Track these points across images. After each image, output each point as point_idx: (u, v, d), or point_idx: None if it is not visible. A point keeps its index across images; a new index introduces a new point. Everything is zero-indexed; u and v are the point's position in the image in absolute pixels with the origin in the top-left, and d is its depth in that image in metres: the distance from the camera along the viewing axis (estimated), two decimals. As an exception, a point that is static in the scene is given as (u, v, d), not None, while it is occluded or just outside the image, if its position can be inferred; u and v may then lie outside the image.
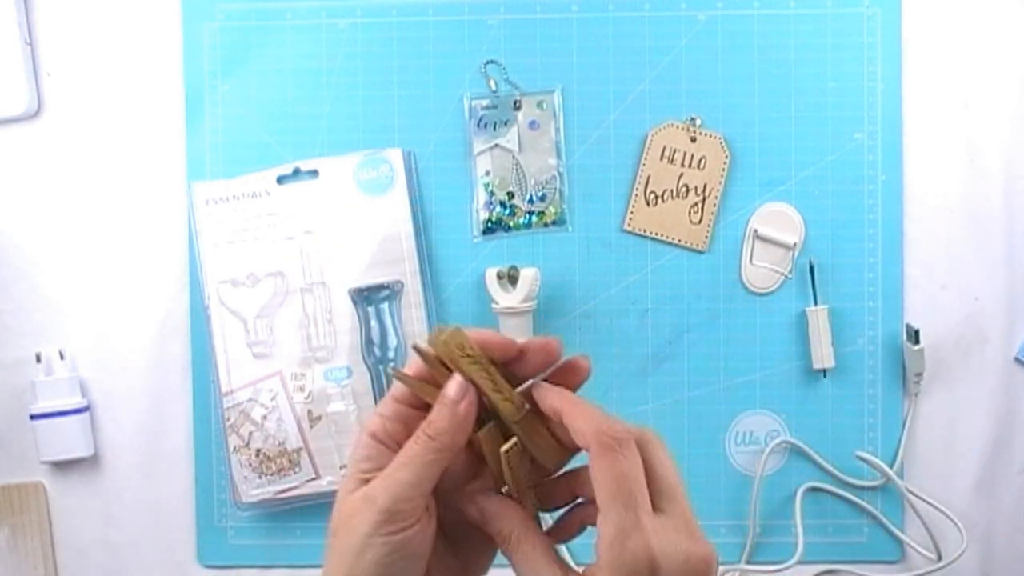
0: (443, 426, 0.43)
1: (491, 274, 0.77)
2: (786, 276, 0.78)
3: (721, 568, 0.78)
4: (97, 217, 0.80)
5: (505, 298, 0.76)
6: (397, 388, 0.45)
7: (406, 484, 0.42)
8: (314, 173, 0.78)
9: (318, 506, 0.78)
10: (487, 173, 0.79)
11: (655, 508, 0.40)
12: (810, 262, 0.78)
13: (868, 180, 0.78)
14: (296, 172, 0.78)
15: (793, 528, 0.77)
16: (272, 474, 0.78)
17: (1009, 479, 0.79)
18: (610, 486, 0.40)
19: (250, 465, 0.78)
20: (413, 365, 0.45)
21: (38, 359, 0.79)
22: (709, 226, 0.79)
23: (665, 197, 0.78)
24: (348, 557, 0.42)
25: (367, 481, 0.43)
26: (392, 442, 0.45)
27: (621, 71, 0.79)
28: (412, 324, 0.78)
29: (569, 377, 0.46)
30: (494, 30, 0.79)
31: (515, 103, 0.79)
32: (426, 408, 0.44)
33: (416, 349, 0.44)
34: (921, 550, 0.77)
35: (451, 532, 0.46)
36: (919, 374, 0.77)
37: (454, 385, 0.43)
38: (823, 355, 0.77)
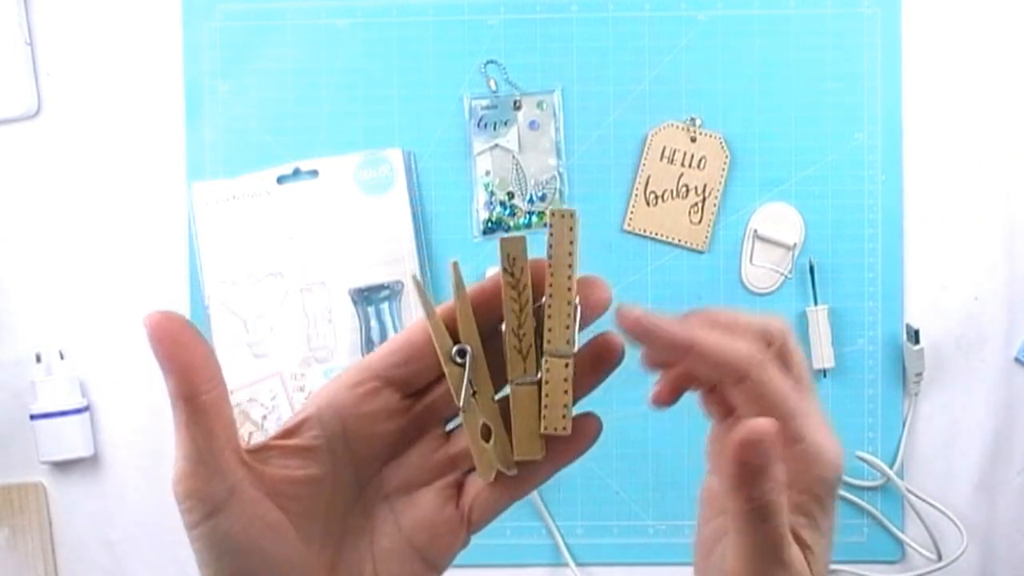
0: (189, 380, 0.32)
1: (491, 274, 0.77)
2: (786, 276, 0.78)
3: (721, 568, 0.77)
4: (97, 217, 0.80)
5: (505, 298, 0.76)
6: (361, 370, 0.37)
7: (181, 459, 0.32)
8: (314, 173, 0.78)
9: (318, 506, 0.78)
10: (487, 173, 0.79)
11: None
12: (810, 262, 0.78)
13: (868, 180, 0.78)
14: (296, 172, 0.78)
15: (793, 528, 0.77)
16: (272, 474, 0.78)
17: (1009, 479, 0.79)
18: (790, 402, 0.37)
19: (250, 465, 0.78)
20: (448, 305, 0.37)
21: (38, 359, 0.79)
22: (709, 226, 0.79)
23: (665, 197, 0.78)
24: (199, 564, 0.33)
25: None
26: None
27: (621, 71, 0.79)
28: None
29: (599, 362, 0.38)
30: (494, 30, 0.79)
31: (515, 103, 0.79)
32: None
33: (455, 266, 0.36)
34: (921, 550, 0.77)
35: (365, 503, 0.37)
36: (919, 374, 0.77)
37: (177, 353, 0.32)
38: (823, 355, 0.77)
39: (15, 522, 0.79)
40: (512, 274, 0.35)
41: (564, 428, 0.35)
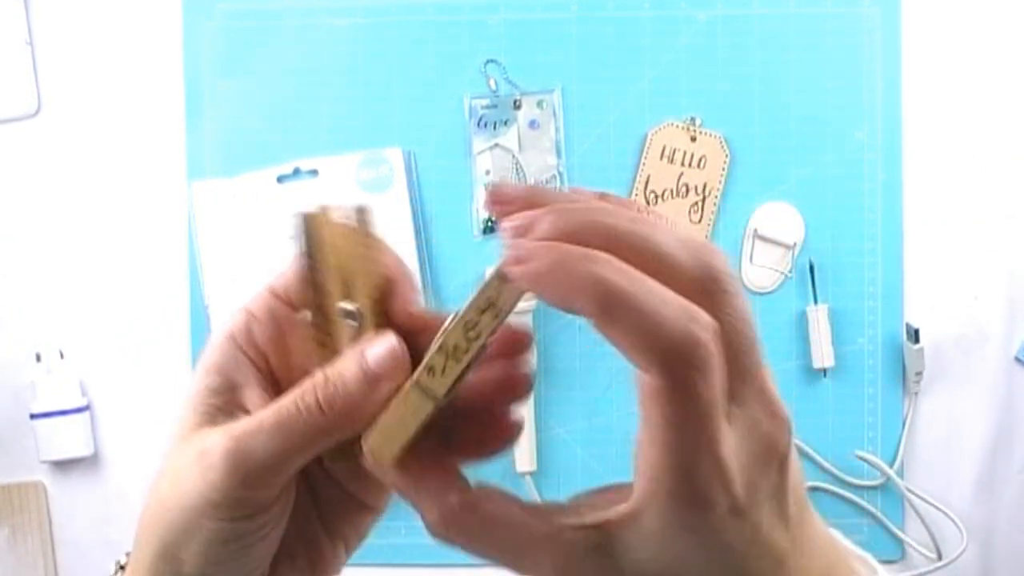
0: (347, 402, 0.29)
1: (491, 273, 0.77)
2: (786, 275, 0.78)
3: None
4: (97, 217, 0.80)
5: (505, 298, 0.76)
6: (280, 279, 0.33)
7: (265, 464, 0.29)
8: (314, 172, 0.78)
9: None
10: (487, 172, 0.79)
11: (730, 396, 0.26)
12: (810, 261, 0.78)
13: (868, 179, 0.78)
14: (296, 171, 0.78)
15: (793, 528, 0.77)
16: (272, 474, 0.78)
17: (1009, 478, 0.79)
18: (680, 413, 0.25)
19: (250, 465, 0.78)
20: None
21: (38, 358, 0.79)
22: (709, 226, 0.79)
23: (665, 197, 0.79)
24: (169, 531, 0.31)
25: (215, 410, 0.31)
26: (256, 352, 0.32)
27: (621, 70, 0.79)
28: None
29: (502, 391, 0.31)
30: (494, 29, 0.79)
31: (515, 102, 0.79)
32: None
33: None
34: (921, 549, 0.77)
35: (316, 489, 0.34)
36: (919, 373, 0.77)
37: (382, 348, 0.29)
38: (823, 354, 0.77)
39: (15, 521, 0.79)
40: (311, 256, 0.31)
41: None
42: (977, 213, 0.79)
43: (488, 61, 0.79)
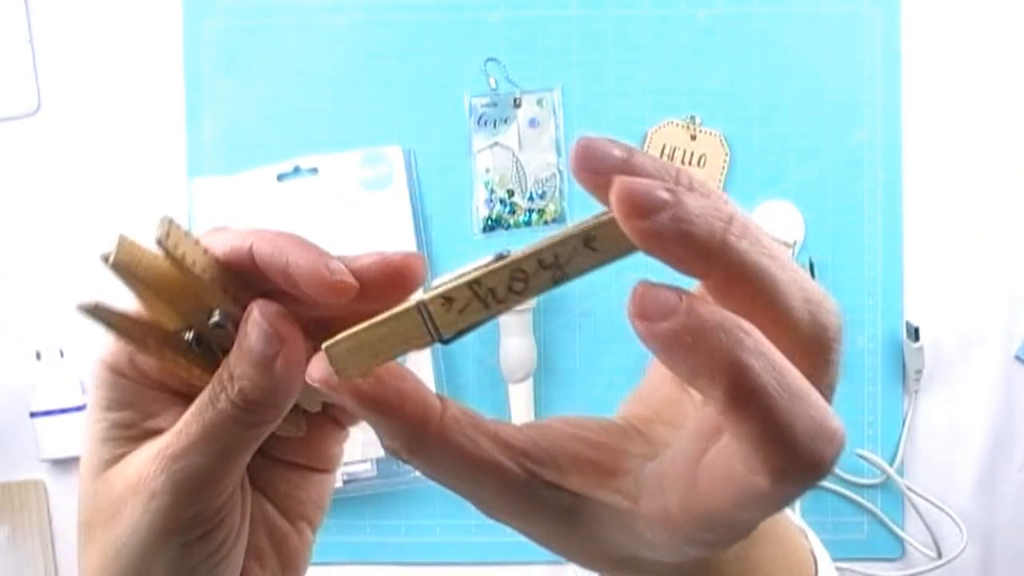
0: (260, 390, 0.27)
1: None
2: (786, 274, 0.78)
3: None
4: (97, 215, 0.80)
5: (505, 296, 0.76)
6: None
7: (209, 476, 0.28)
8: (314, 171, 0.78)
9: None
10: (487, 171, 0.79)
11: None
12: (810, 260, 0.78)
13: (868, 178, 0.78)
14: (296, 170, 0.78)
15: (793, 526, 0.77)
16: (272, 472, 0.78)
17: (1009, 477, 0.79)
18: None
19: (250, 463, 0.78)
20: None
21: (38, 357, 0.79)
22: (709, 224, 0.78)
23: (665, 195, 0.78)
24: (127, 571, 0.29)
25: (127, 442, 0.29)
26: (142, 375, 0.29)
27: (621, 69, 0.79)
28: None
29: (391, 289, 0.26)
30: (494, 28, 0.79)
31: (515, 101, 0.79)
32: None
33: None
34: (921, 548, 0.77)
35: (261, 479, 0.32)
36: (919, 372, 0.77)
37: (254, 329, 0.26)
38: (823, 353, 0.77)
39: (15, 520, 0.79)
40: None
41: None
42: (976, 212, 0.78)
43: (488, 59, 0.79)
